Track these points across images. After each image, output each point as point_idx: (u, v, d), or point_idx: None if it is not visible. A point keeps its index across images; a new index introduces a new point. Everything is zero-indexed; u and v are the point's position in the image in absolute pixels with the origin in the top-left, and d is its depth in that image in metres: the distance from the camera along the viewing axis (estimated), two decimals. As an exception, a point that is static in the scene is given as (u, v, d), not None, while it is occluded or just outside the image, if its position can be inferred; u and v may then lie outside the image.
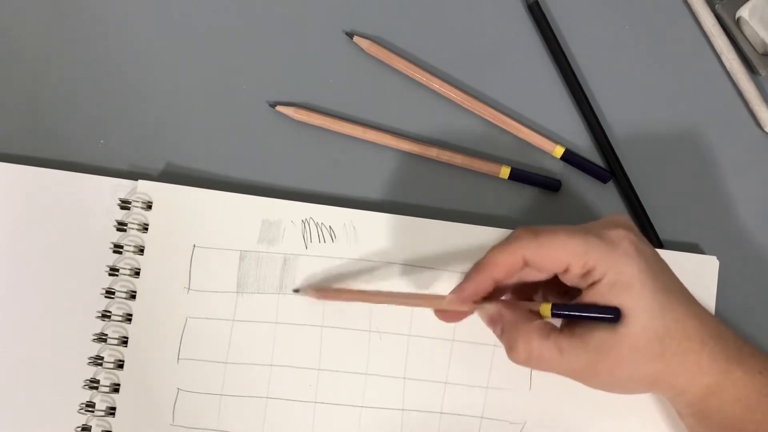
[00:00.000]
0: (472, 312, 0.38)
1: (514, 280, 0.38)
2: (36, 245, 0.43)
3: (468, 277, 0.36)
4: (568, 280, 0.36)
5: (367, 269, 0.43)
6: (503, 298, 0.39)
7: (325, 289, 0.42)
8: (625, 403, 0.41)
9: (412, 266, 0.43)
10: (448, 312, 0.39)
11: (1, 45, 0.46)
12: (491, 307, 0.36)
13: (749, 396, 0.35)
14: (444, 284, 0.43)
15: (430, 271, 0.43)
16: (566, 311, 0.34)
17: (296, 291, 0.43)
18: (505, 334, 0.35)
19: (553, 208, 0.45)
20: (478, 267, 0.36)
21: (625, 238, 0.35)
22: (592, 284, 0.34)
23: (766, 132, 0.45)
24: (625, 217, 0.37)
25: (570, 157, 0.45)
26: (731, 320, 0.43)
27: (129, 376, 0.42)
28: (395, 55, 0.45)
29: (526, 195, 0.45)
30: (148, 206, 0.43)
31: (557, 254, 0.34)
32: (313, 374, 0.42)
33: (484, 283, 0.36)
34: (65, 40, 0.46)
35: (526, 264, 0.35)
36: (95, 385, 0.42)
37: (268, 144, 0.45)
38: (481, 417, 0.42)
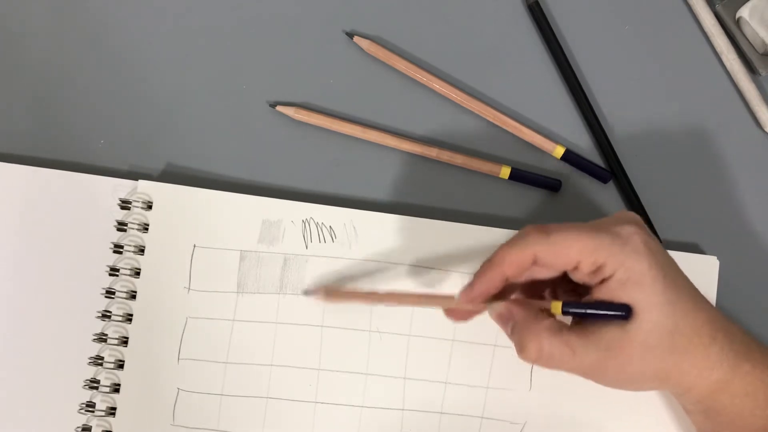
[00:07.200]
0: (482, 311, 0.38)
1: (523, 278, 0.38)
2: (36, 245, 0.43)
3: (477, 275, 0.36)
4: (578, 277, 0.35)
5: (367, 269, 0.43)
6: (513, 296, 0.39)
7: (333, 291, 0.42)
8: (627, 402, 0.41)
9: (413, 266, 0.43)
10: (457, 311, 0.38)
11: (2, 45, 0.46)
12: (501, 306, 0.36)
13: (758, 390, 0.35)
14: (444, 284, 0.43)
15: (430, 271, 0.43)
16: (577, 309, 0.34)
17: (306, 293, 0.42)
18: (516, 333, 0.35)
19: (553, 208, 0.45)
20: (487, 265, 0.36)
21: (635, 234, 0.35)
22: (602, 281, 0.34)
23: (766, 132, 0.45)
24: (635, 215, 0.37)
25: (570, 157, 0.45)
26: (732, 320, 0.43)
27: (129, 376, 0.42)
28: (395, 55, 0.45)
29: (526, 195, 0.45)
30: (149, 206, 0.43)
31: (567, 251, 0.34)
32: (313, 374, 0.42)
33: (494, 281, 0.36)
34: (66, 41, 0.46)
35: (535, 262, 0.35)
36: (95, 385, 0.42)
37: (268, 144, 0.45)
38: (482, 417, 0.42)
